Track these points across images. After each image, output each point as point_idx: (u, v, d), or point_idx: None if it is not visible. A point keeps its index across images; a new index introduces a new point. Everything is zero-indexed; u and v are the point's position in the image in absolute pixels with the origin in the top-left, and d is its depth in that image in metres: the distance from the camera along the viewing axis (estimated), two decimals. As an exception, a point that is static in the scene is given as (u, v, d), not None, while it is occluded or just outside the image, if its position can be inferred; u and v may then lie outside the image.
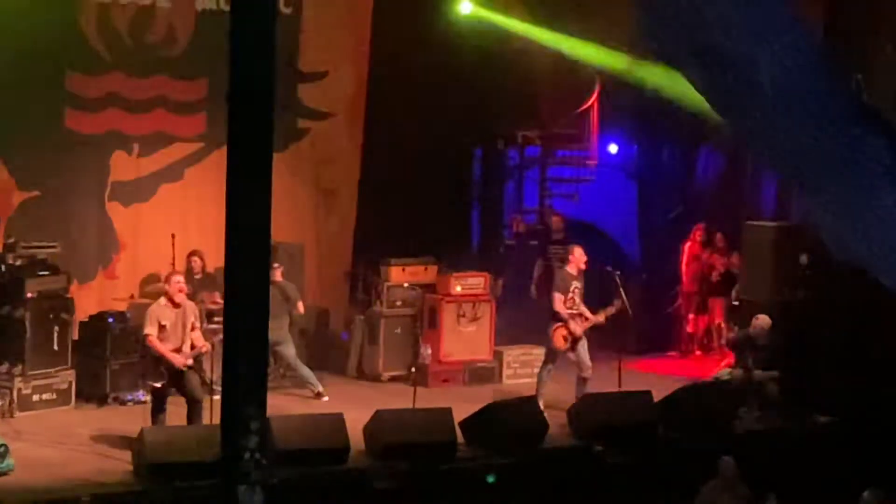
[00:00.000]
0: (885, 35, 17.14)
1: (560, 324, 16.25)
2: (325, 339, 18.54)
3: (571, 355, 16.32)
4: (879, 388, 16.27)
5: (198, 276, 16.51)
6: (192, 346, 14.13)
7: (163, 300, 14.34)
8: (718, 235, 19.74)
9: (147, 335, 14.11)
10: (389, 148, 18.68)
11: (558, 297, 16.30)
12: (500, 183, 21.52)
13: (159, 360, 14.00)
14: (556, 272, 17.07)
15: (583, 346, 16.27)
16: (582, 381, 16.25)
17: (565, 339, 16.24)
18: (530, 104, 20.13)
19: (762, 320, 16.52)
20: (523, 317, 18.75)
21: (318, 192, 19.00)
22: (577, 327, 16.22)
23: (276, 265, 16.24)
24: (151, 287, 16.73)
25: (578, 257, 16.39)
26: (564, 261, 18.72)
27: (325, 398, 16.39)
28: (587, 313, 16.34)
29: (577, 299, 16.37)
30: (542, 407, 15.70)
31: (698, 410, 15.70)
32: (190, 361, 14.03)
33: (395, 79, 18.65)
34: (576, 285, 16.39)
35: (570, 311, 16.25)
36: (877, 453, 14.60)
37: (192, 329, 14.22)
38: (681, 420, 15.58)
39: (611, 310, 16.24)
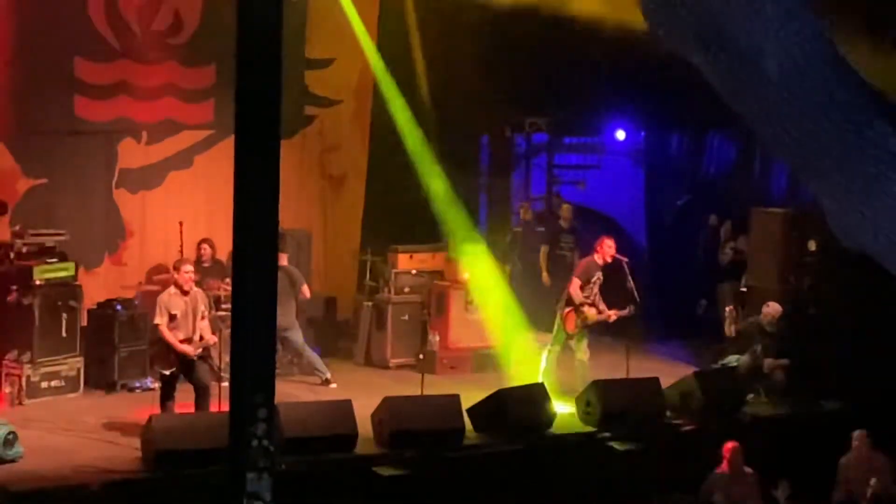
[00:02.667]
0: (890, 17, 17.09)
1: (572, 308, 16.27)
2: (333, 326, 18.55)
3: (571, 341, 16.39)
4: (887, 373, 16.28)
5: (206, 265, 16.52)
6: (202, 337, 14.14)
7: (172, 289, 14.34)
8: (728, 221, 19.73)
9: (158, 325, 14.12)
10: (396, 135, 18.66)
11: (576, 283, 16.31)
12: (507, 170, 21.49)
13: (169, 347, 14.01)
14: (582, 260, 17.05)
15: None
16: (580, 363, 16.30)
17: (576, 324, 16.26)
18: (537, 91, 20.08)
19: (772, 307, 16.51)
20: (531, 303, 18.76)
21: (325, 179, 19.00)
22: (591, 315, 16.24)
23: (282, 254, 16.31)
24: (160, 276, 16.74)
25: (607, 249, 16.39)
26: (573, 250, 18.77)
27: (333, 385, 16.40)
28: (602, 306, 16.35)
29: (596, 289, 16.38)
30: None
31: (706, 397, 15.71)
32: (200, 351, 14.04)
33: (402, 66, 18.63)
34: (598, 275, 16.40)
35: (585, 300, 16.27)
36: (885, 439, 14.59)
37: (202, 318, 14.23)
38: (688, 406, 15.59)
39: (623, 312, 16.24)
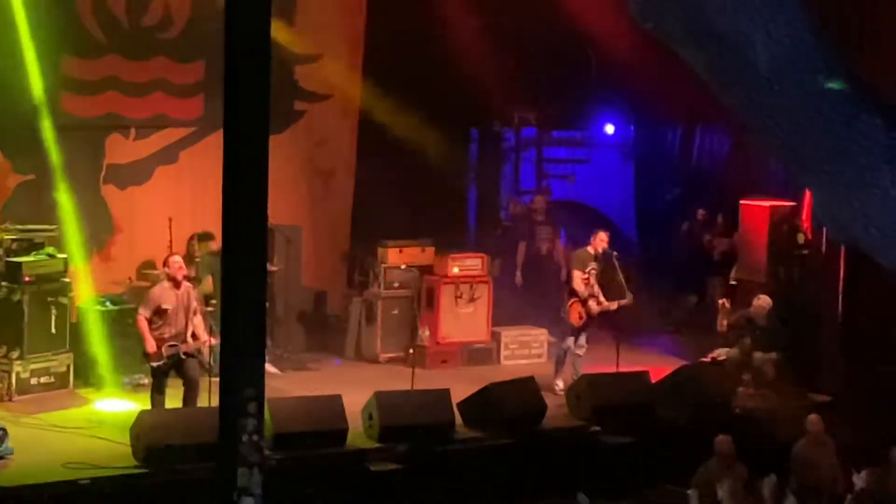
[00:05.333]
0: (882, 14, 17.10)
1: (576, 300, 16.28)
2: (323, 321, 18.54)
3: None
4: (875, 366, 16.31)
5: (198, 259, 16.50)
6: (194, 334, 14.08)
7: (165, 283, 14.29)
8: (719, 216, 19.75)
9: (138, 315, 14.08)
10: (385, 129, 18.64)
11: (578, 275, 16.32)
12: (496, 164, 21.49)
13: (158, 342, 13.96)
14: (574, 252, 17.08)
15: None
16: (576, 357, 16.32)
17: (580, 315, 16.27)
18: (526, 84, 20.07)
19: (763, 300, 16.52)
20: (520, 297, 18.77)
21: (314, 174, 18.98)
22: (595, 306, 16.26)
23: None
24: (149, 272, 16.70)
25: (599, 241, 16.41)
26: (551, 241, 18.82)
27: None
28: (601, 297, 16.36)
29: (593, 280, 16.40)
30: (561, 388, 15.93)
31: (696, 390, 15.73)
32: (185, 348, 13.97)
33: (391, 60, 18.61)
34: (593, 265, 16.42)
35: (591, 291, 16.30)
36: (873, 431, 14.62)
37: (195, 314, 14.19)
38: (678, 400, 15.60)
39: (623, 302, 16.25)
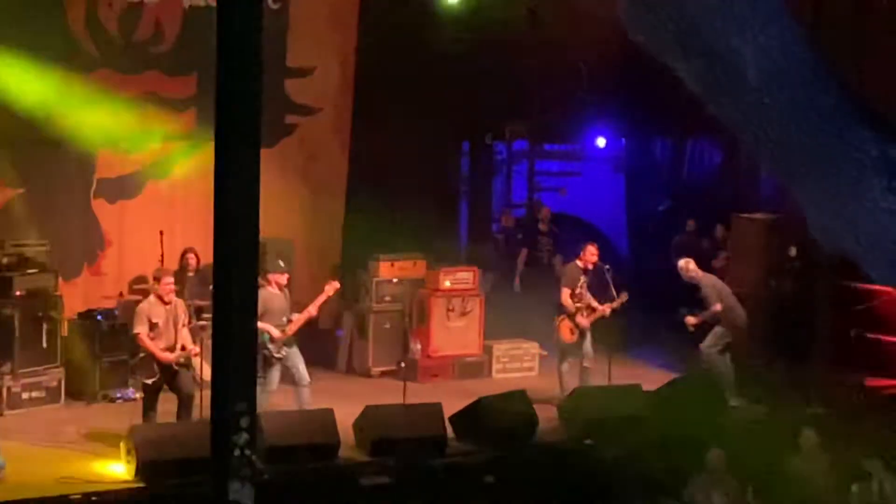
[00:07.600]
0: (874, 23, 17.13)
1: (564, 316, 16.29)
2: (315, 335, 18.50)
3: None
4: (868, 379, 16.33)
5: (191, 273, 16.48)
6: (183, 346, 14.08)
7: (152, 298, 14.29)
8: (718, 227, 19.76)
9: (137, 334, 14.07)
10: (377, 143, 18.64)
11: (566, 292, 16.34)
12: (488, 177, 21.50)
13: (151, 356, 13.96)
14: (564, 266, 17.10)
15: (587, 336, 16.35)
16: (584, 369, 16.33)
17: (572, 331, 16.28)
18: (518, 98, 20.09)
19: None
20: (512, 311, 18.76)
21: (306, 188, 18.97)
22: (584, 320, 16.27)
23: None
24: (140, 286, 16.68)
25: (589, 255, 16.42)
26: (550, 253, 18.87)
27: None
28: (594, 303, 16.37)
29: (584, 293, 16.41)
30: None
31: (687, 403, 15.73)
32: (181, 360, 13.99)
33: (383, 73, 18.63)
34: (583, 280, 16.43)
35: (577, 305, 16.30)
36: (865, 444, 14.63)
37: (183, 326, 14.19)
38: (670, 412, 15.60)
39: (616, 302, 16.29)
